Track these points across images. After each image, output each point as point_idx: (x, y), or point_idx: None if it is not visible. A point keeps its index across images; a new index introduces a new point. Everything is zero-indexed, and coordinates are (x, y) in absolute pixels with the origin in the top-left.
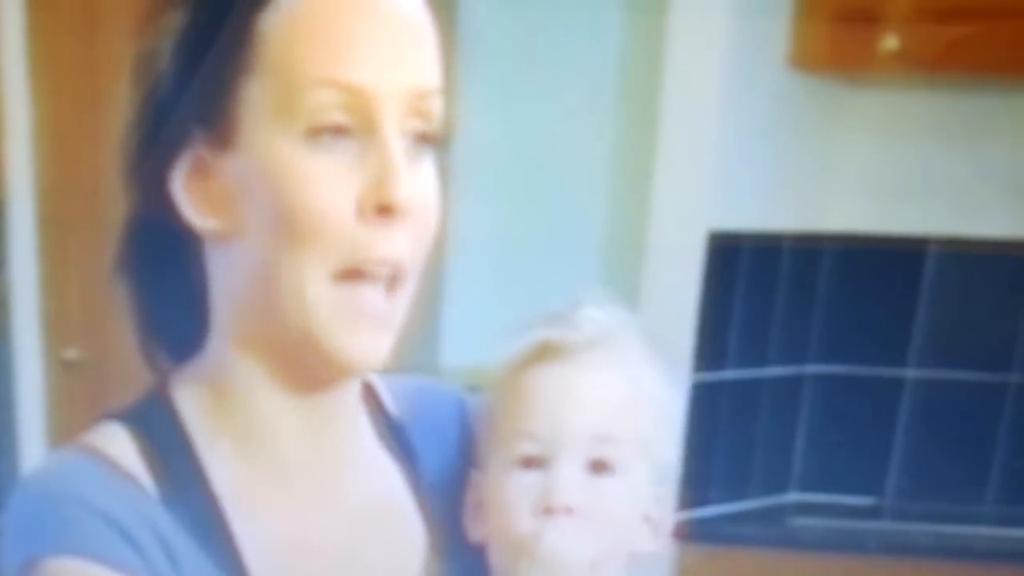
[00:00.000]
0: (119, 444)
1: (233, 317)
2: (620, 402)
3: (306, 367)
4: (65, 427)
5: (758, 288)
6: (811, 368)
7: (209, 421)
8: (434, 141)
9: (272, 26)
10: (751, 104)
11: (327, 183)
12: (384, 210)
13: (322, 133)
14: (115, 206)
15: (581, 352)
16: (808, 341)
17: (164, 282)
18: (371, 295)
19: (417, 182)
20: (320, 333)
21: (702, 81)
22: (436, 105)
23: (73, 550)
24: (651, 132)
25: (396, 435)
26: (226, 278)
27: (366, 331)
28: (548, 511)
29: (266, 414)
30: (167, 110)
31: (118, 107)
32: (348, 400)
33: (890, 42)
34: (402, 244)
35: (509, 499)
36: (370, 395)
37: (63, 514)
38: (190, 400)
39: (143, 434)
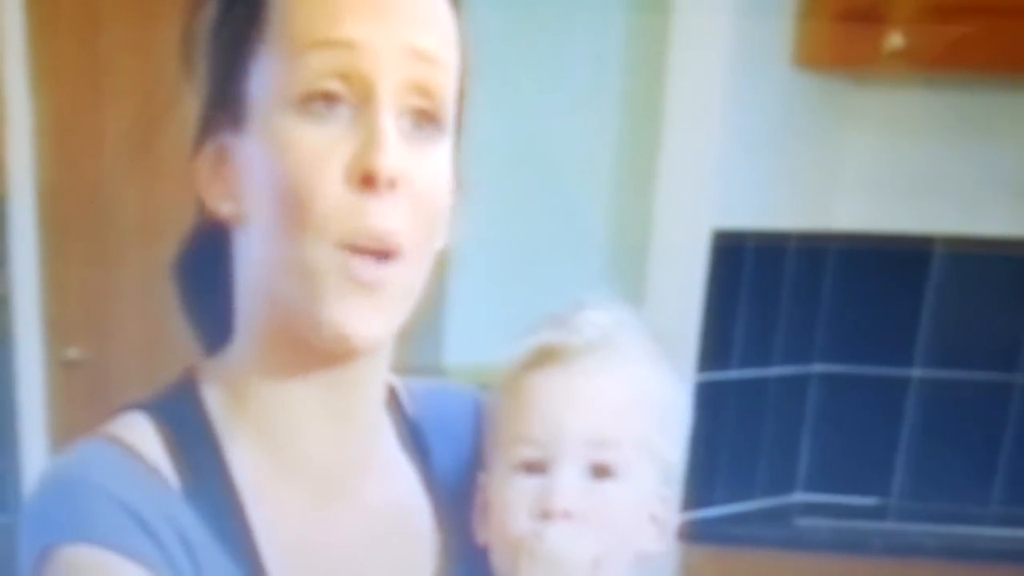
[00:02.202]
0: (143, 435)
1: (249, 306)
2: (620, 406)
3: (314, 349)
4: (66, 426)
5: (762, 287)
6: (816, 368)
7: (232, 415)
8: (439, 122)
9: (277, 5)
10: (755, 103)
11: (315, 150)
12: (367, 180)
13: (314, 101)
14: (116, 206)
15: (581, 356)
16: (813, 340)
17: (215, 282)
18: (363, 264)
19: (414, 159)
20: (319, 302)
21: (706, 80)
22: (439, 78)
23: (91, 538)
24: (655, 131)
25: (413, 435)
26: (242, 266)
27: (360, 301)
28: (546, 515)
29: (286, 409)
30: (200, 101)
31: (119, 107)
32: (371, 400)
33: (894, 40)
34: (395, 218)
35: (509, 502)
36: (392, 398)
37: (83, 502)
38: (215, 393)
39: (168, 426)
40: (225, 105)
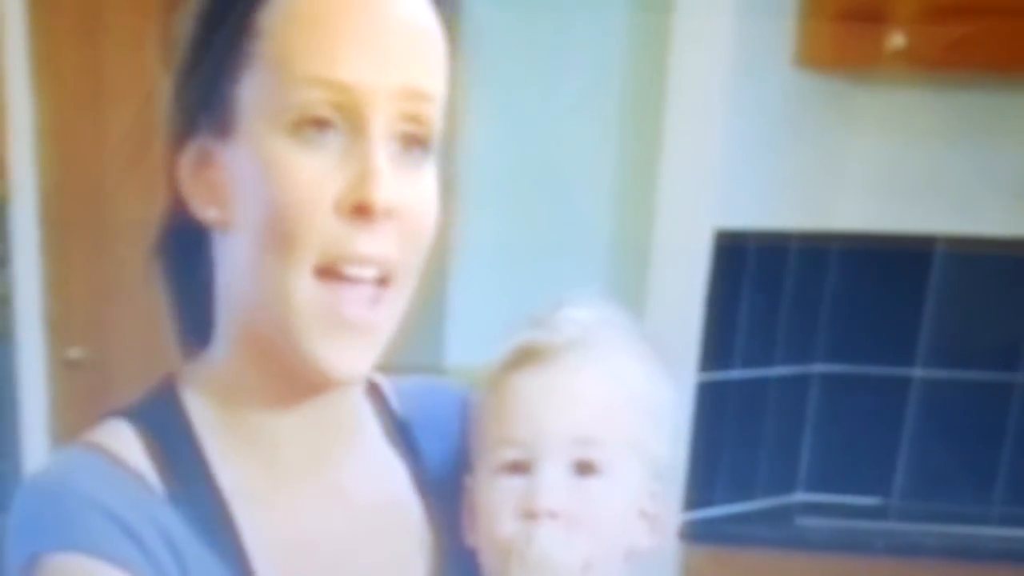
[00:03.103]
0: (125, 441)
1: (230, 311)
2: (602, 402)
3: (293, 369)
4: (68, 426)
5: (764, 287)
6: (817, 367)
7: (214, 418)
8: (427, 145)
9: (271, 21)
10: (756, 103)
11: (307, 178)
12: (361, 210)
13: (306, 126)
14: (117, 205)
15: (560, 354)
16: (814, 340)
17: (191, 276)
18: (354, 301)
19: (405, 185)
20: (300, 336)
21: (707, 80)
22: (430, 110)
23: (77, 546)
24: (656, 131)
25: (401, 434)
26: (224, 271)
27: (346, 339)
28: (531, 516)
29: (266, 410)
30: (180, 98)
31: (120, 107)
32: (350, 397)
33: (896, 40)
34: (384, 245)
35: (494, 504)
36: (376, 393)
37: (68, 510)
38: (196, 397)
39: (149, 431)
40: (211, 109)
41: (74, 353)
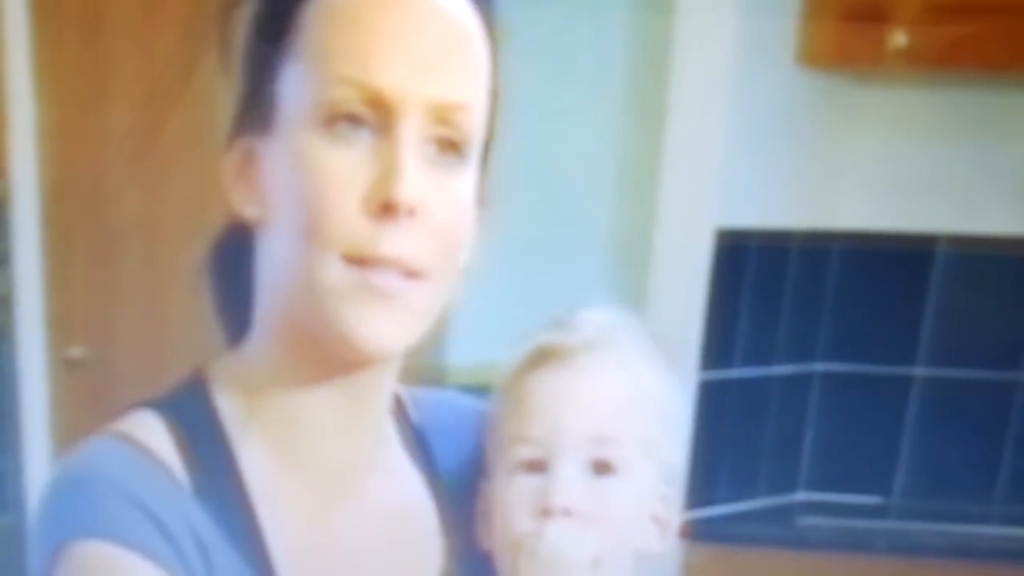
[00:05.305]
0: (154, 433)
1: (266, 304)
2: (619, 403)
3: (327, 353)
4: (69, 426)
5: (766, 286)
6: (819, 366)
7: (243, 413)
8: (461, 151)
9: (311, 16)
10: (759, 102)
11: (337, 172)
12: (386, 208)
13: (339, 121)
14: (118, 205)
15: (578, 355)
16: (816, 339)
17: (240, 282)
18: (383, 277)
19: (434, 187)
20: (332, 311)
21: (709, 79)
22: (465, 118)
23: (104, 534)
24: (658, 130)
25: (418, 441)
26: (263, 267)
27: (377, 310)
28: (546, 513)
29: (298, 409)
30: (233, 99)
31: (122, 106)
32: (380, 403)
33: (898, 40)
34: (410, 245)
35: (510, 503)
36: (397, 405)
37: (95, 499)
38: (226, 392)
39: (178, 424)
40: (255, 107)
41: (74, 353)
